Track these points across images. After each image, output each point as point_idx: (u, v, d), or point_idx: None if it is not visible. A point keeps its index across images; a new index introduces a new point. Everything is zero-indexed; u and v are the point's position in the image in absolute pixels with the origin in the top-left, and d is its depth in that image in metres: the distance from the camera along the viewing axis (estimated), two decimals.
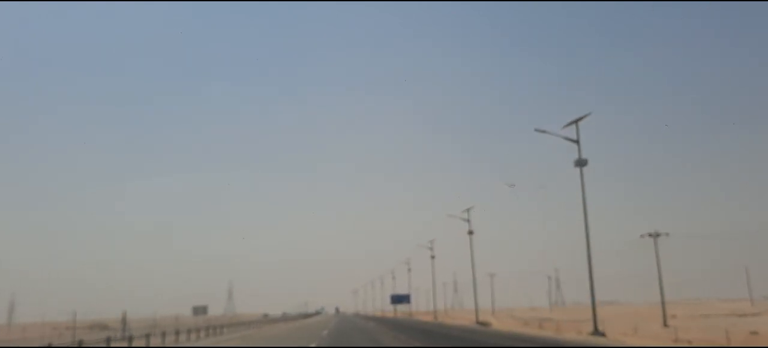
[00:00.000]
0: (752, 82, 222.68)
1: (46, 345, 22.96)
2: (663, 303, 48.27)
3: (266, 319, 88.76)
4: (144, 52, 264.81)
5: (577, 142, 31.91)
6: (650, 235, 48.72)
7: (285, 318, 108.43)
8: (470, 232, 61.36)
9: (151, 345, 28.99)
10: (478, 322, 55.71)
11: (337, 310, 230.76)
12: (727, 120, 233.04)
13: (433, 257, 75.52)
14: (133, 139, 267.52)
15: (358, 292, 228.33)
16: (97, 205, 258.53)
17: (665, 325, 46.04)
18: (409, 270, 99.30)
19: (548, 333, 36.00)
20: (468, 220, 61.11)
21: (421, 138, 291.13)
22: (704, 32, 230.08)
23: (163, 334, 35.38)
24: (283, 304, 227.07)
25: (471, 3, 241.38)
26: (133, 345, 27.79)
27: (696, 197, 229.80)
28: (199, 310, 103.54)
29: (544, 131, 33.80)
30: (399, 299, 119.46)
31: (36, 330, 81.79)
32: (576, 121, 32.06)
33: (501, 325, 52.26)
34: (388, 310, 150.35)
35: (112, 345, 24.61)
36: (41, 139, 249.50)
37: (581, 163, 31.27)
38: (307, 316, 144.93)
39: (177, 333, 36.31)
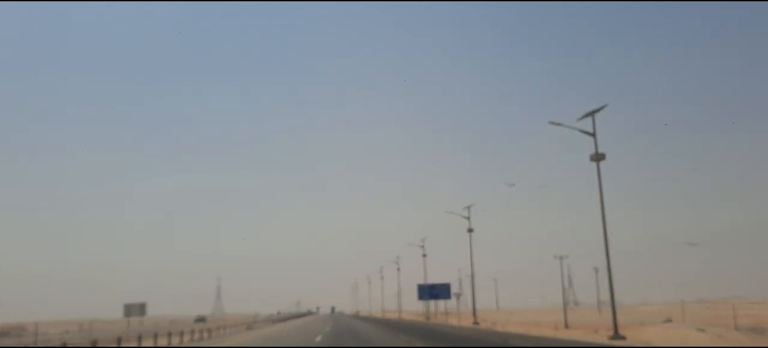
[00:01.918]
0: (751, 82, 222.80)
1: None
2: None
3: (197, 325, 49.50)
4: (142, 53, 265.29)
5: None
6: None
7: (258, 322, 70.17)
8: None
9: None
10: None
11: (332, 310, 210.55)
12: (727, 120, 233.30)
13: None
14: (129, 140, 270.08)
15: (359, 287, 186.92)
16: (94, 205, 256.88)
17: None
18: (471, 230, 56.68)
19: None
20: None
21: (420, 137, 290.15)
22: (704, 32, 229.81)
23: None
24: (278, 304, 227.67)
25: (471, 3, 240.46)
26: None
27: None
28: (133, 310, 63.94)
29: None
30: (434, 292, 76.81)
31: None
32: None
33: None
34: (410, 309, 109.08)
35: None
36: (38, 140, 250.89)
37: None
38: (284, 319, 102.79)
39: None
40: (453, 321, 67.10)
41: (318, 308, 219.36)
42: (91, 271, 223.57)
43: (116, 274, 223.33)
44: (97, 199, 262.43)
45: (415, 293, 78.64)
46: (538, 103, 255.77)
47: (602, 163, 27.91)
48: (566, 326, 47.68)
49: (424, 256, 75.85)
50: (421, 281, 77.73)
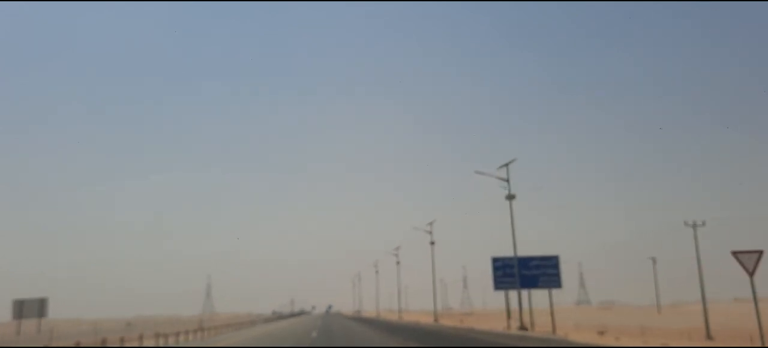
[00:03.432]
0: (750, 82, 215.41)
1: None
2: None
3: None
4: (135, 52, 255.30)
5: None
6: None
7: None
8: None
9: None
10: None
11: (327, 310, 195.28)
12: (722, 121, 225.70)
13: None
14: (121, 139, 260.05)
15: (363, 280, 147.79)
16: (86, 204, 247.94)
17: None
18: None
19: None
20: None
21: (417, 136, 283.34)
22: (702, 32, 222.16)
23: None
24: (274, 303, 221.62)
25: (466, 3, 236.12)
26: None
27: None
28: (28, 309, 42.96)
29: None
30: (530, 276, 37.05)
31: None
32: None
33: None
34: (424, 308, 72.03)
35: None
36: (31, 139, 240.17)
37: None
38: (238, 326, 63.65)
39: None
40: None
41: (313, 308, 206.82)
42: (84, 269, 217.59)
43: (110, 273, 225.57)
44: (90, 199, 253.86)
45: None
46: (537, 102, 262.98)
47: None
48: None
49: (511, 197, 36.22)
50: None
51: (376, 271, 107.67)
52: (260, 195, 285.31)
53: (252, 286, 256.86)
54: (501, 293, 39.56)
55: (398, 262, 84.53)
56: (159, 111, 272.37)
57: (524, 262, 37.75)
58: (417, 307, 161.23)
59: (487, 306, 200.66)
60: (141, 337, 29.59)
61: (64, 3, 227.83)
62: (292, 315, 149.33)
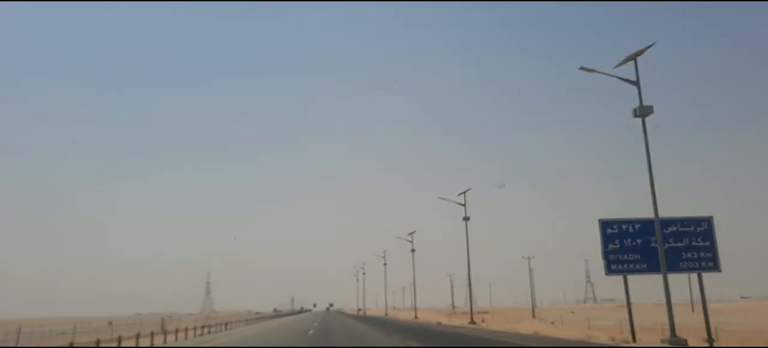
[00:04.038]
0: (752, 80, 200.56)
1: None
2: None
3: None
4: (135, 53, 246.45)
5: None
6: None
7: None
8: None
9: None
10: None
11: (328, 308, 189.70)
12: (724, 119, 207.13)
13: None
14: (121, 139, 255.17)
15: (367, 274, 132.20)
16: (86, 205, 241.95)
17: None
18: None
19: None
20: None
21: (419, 134, 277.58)
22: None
23: None
24: (275, 301, 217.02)
25: (466, 3, 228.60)
26: None
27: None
28: None
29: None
30: (664, 253, 21.91)
31: None
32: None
33: None
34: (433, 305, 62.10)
35: None
36: (29, 141, 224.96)
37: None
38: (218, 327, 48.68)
39: None
40: None
41: (314, 306, 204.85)
42: (86, 269, 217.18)
43: (114, 272, 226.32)
44: (91, 199, 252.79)
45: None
46: (540, 101, 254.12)
47: None
48: None
49: (645, 112, 21.18)
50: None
51: (384, 264, 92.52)
52: (262, 194, 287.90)
53: (253, 284, 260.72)
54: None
55: (413, 250, 69.52)
56: (159, 111, 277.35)
57: (668, 224, 22.64)
58: (420, 304, 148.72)
59: (493, 304, 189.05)
60: (71, 343, 22.56)
61: (63, 3, 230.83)
62: (292, 313, 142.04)
